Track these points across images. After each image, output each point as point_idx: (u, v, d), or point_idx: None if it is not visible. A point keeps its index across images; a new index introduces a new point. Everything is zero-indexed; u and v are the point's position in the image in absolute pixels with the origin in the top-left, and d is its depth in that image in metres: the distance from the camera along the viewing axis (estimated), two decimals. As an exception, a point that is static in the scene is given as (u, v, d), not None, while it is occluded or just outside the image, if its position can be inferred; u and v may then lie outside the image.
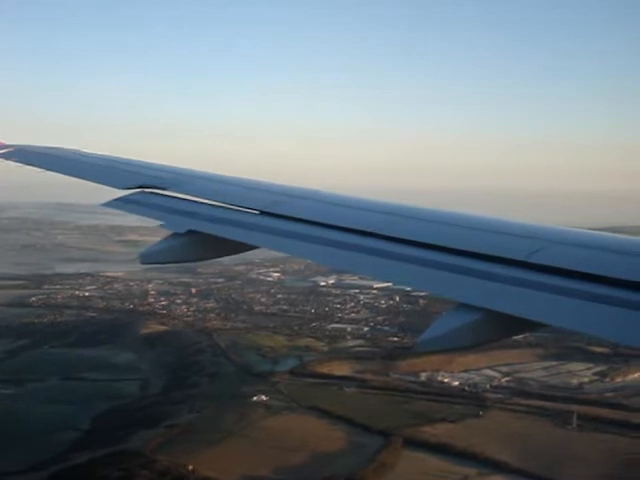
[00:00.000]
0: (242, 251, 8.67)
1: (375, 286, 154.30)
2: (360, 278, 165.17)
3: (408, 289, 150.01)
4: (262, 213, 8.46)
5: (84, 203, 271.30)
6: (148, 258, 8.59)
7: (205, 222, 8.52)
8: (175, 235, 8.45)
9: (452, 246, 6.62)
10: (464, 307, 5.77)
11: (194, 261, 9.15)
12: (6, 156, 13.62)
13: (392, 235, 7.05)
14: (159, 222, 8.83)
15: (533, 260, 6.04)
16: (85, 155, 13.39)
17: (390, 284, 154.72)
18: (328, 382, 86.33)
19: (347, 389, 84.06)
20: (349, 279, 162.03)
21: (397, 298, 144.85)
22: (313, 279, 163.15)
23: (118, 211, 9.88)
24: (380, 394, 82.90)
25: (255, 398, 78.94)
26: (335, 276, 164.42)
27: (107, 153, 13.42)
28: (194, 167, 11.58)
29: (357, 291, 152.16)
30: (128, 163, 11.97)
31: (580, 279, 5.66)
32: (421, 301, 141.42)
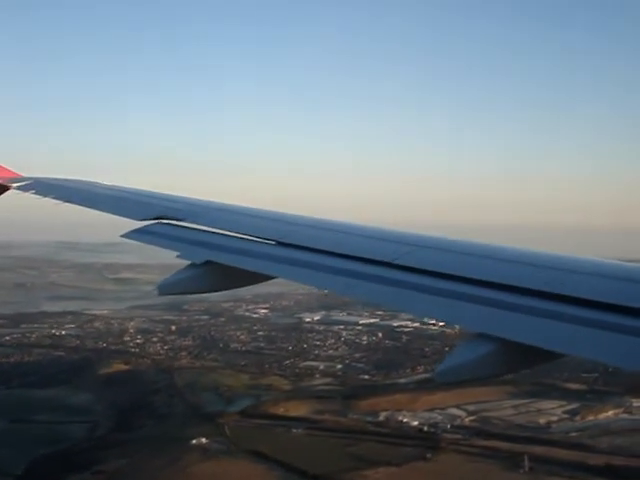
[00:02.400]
0: (259, 282, 8.69)
1: (361, 322, 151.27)
2: (347, 314, 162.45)
3: (394, 325, 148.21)
4: (278, 243, 8.42)
5: (87, 241, 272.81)
6: (165, 289, 8.43)
7: (222, 253, 8.59)
8: (192, 266, 8.45)
9: (469, 276, 6.55)
10: (481, 337, 5.72)
11: (211, 292, 9.16)
12: (25, 189, 13.69)
13: (409, 265, 7.01)
14: (176, 253, 8.83)
15: (553, 290, 5.95)
16: (102, 187, 13.44)
17: (377, 320, 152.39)
18: (278, 423, 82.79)
19: (295, 431, 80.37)
20: (336, 315, 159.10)
21: (380, 334, 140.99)
22: (299, 315, 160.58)
23: (135, 242, 9.86)
24: (329, 436, 79.12)
25: (194, 441, 75.46)
26: (323, 312, 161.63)
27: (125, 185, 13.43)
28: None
29: (341, 327, 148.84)
30: (144, 195, 11.94)
31: (602, 309, 5.56)
32: (404, 337, 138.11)
